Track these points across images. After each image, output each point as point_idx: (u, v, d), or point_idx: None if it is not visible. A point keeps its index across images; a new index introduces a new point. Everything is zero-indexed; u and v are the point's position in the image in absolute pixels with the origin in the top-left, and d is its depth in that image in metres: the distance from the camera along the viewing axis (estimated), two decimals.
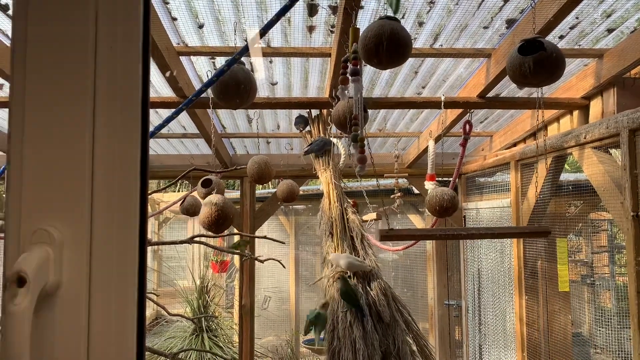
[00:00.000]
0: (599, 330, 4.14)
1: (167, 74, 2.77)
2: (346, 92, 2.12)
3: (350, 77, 1.95)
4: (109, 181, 0.62)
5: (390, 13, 1.77)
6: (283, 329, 7.90)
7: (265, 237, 3.42)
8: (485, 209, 4.86)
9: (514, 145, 4.52)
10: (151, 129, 2.26)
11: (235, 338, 7.11)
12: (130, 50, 0.64)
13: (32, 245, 0.58)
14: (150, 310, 9.27)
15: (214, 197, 2.39)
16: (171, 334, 7.43)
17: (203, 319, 7.22)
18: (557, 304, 3.91)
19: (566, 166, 4.72)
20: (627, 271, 2.82)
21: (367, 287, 3.30)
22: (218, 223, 2.35)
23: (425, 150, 4.40)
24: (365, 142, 2.07)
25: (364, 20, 2.65)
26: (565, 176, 4.44)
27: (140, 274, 0.63)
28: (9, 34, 2.67)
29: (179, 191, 10.77)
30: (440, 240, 5.81)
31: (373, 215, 3.53)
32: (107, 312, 0.60)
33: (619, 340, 3.90)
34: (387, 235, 2.32)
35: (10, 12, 2.50)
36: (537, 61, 1.89)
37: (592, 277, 6.38)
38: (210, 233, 2.66)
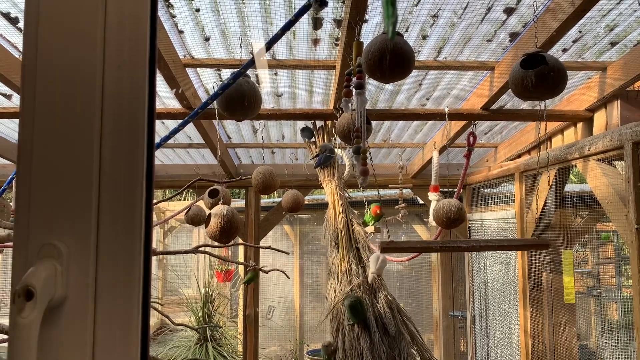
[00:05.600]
0: (606, 343, 4.10)
1: (173, 91, 2.80)
2: (350, 104, 2.14)
3: (354, 90, 1.97)
4: (115, 195, 0.64)
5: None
6: (287, 339, 7.88)
7: (269, 248, 3.43)
8: (490, 219, 4.86)
9: (519, 156, 4.52)
10: (157, 139, 2.29)
11: (240, 348, 7.10)
12: (137, 67, 0.66)
13: (40, 259, 0.60)
14: (154, 319, 9.28)
15: (222, 208, 2.40)
16: (175, 343, 7.43)
17: (207, 328, 7.22)
18: (562, 316, 3.89)
19: (571, 177, 4.71)
20: (632, 284, 2.81)
21: (373, 299, 3.30)
22: (229, 233, 2.36)
23: (430, 161, 4.42)
24: (368, 154, 2.09)
25: (368, 34, 2.68)
26: (570, 187, 4.43)
27: (145, 285, 0.64)
28: (18, 45, 2.72)
29: (184, 200, 10.81)
30: (445, 252, 5.79)
31: (372, 228, 3.53)
32: (112, 323, 0.62)
33: (627, 353, 3.87)
34: (388, 247, 2.33)
35: (19, 25, 2.55)
36: (539, 75, 1.90)
37: (598, 288, 6.33)
38: (215, 243, 2.66)
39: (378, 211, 3.64)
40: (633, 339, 2.96)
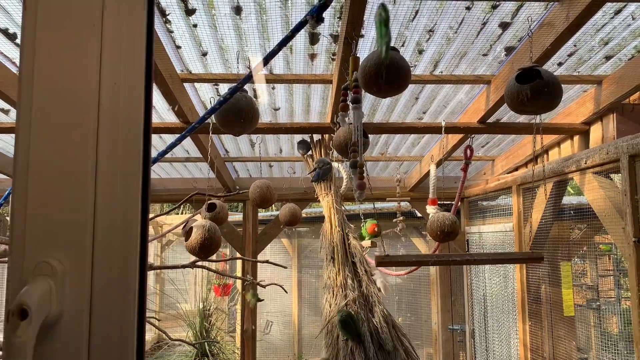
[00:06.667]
0: (606, 356, 4.08)
1: (169, 108, 2.81)
2: (346, 118, 2.15)
3: (350, 105, 1.98)
4: (111, 212, 0.64)
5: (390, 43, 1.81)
6: (285, 353, 7.82)
7: (267, 262, 3.42)
8: (488, 232, 4.85)
9: (516, 169, 4.54)
10: (155, 154, 2.29)
11: None
12: (133, 83, 0.67)
13: (35, 277, 0.59)
14: (151, 333, 9.21)
15: (204, 223, 2.37)
16: (173, 359, 7.36)
17: (205, 343, 7.16)
18: (562, 329, 3.87)
19: (569, 189, 4.72)
20: (630, 296, 2.81)
21: (369, 314, 3.28)
22: (209, 249, 2.31)
23: (427, 174, 4.43)
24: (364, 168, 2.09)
25: (364, 48, 2.70)
26: (568, 199, 4.44)
27: (140, 302, 0.64)
28: (16, 61, 2.73)
29: (182, 214, 10.78)
30: (444, 266, 5.77)
31: (368, 243, 3.53)
32: (107, 340, 0.61)
33: None
34: (383, 262, 2.32)
35: (17, 40, 2.56)
36: (534, 90, 1.91)
37: (597, 301, 6.31)
38: (212, 257, 2.65)
39: (375, 229, 3.63)
40: (633, 352, 2.95)
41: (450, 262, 2.66)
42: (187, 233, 2.41)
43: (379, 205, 6.73)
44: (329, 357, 3.21)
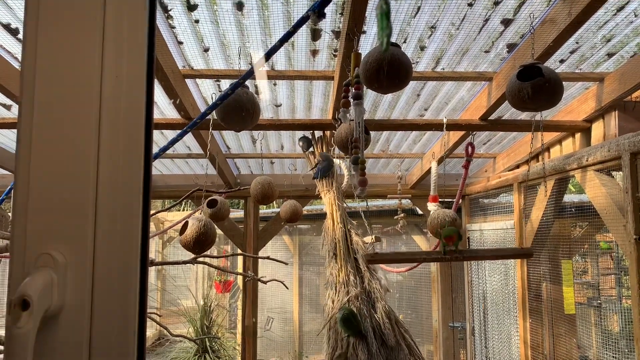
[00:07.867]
0: (606, 354, 4.08)
1: (171, 101, 2.81)
2: (348, 115, 2.15)
3: (352, 101, 1.98)
4: (112, 205, 0.64)
5: (391, 39, 1.81)
6: (286, 350, 7.83)
7: (268, 258, 3.43)
8: (489, 230, 4.85)
9: (517, 167, 4.53)
10: (156, 149, 2.30)
11: (238, 359, 7.06)
12: (135, 78, 0.67)
13: (37, 269, 0.60)
14: (153, 330, 9.23)
15: (199, 218, 2.38)
16: (174, 355, 7.39)
17: (206, 339, 7.18)
18: (562, 327, 3.87)
19: (570, 187, 4.71)
20: (631, 295, 2.81)
21: (372, 310, 3.29)
22: (204, 244, 2.33)
23: (429, 171, 4.42)
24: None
25: (366, 44, 2.69)
26: (569, 197, 4.43)
27: (141, 295, 0.64)
28: (19, 56, 2.73)
29: (184, 210, 10.80)
30: (445, 262, 5.77)
31: (371, 238, 3.53)
32: (108, 333, 0.62)
33: None
34: (373, 260, 2.32)
35: (19, 36, 2.56)
36: (535, 87, 1.91)
37: (598, 299, 6.31)
38: (214, 253, 2.65)
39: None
40: (634, 350, 2.95)
41: (441, 259, 2.66)
42: (182, 228, 2.42)
43: (380, 202, 6.73)
44: (345, 351, 3.20)
